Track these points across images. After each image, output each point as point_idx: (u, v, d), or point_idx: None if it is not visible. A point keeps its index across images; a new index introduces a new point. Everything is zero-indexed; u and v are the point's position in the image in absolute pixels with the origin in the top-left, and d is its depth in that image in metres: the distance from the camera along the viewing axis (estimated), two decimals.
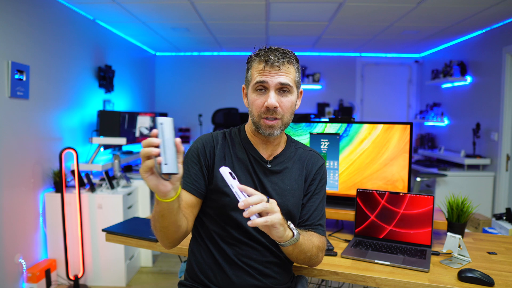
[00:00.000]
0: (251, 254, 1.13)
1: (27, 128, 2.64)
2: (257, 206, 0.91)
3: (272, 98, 1.08)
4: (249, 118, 1.20)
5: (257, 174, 1.16)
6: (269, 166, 1.18)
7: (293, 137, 1.32)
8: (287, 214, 1.16)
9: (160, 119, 0.88)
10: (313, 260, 1.15)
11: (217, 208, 1.13)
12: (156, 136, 0.86)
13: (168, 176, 0.89)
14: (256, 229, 1.12)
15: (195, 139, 1.21)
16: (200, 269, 1.16)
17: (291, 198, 1.17)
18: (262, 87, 1.10)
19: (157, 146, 0.86)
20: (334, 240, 1.65)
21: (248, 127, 1.22)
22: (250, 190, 0.94)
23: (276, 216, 0.94)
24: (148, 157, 0.86)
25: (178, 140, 0.88)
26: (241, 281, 1.11)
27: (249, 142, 1.20)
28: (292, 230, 1.01)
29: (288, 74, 1.10)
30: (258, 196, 0.92)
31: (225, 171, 0.96)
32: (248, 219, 0.94)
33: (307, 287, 1.30)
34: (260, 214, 0.94)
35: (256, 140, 1.19)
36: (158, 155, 0.85)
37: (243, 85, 1.21)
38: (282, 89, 1.10)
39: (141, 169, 0.88)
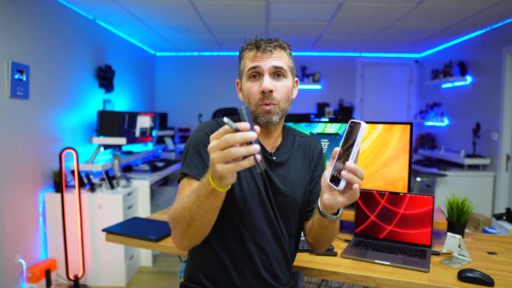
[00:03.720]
0: (263, 257, 1.09)
1: (27, 128, 2.64)
2: (354, 178, 0.87)
3: (267, 82, 1.04)
4: None
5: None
6: (274, 158, 1.14)
7: None
8: (296, 206, 1.14)
9: (244, 109, 0.74)
10: (331, 241, 1.15)
11: (230, 205, 1.06)
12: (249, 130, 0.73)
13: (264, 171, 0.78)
14: (266, 225, 1.09)
15: (198, 126, 1.13)
16: (206, 275, 1.11)
17: (299, 190, 1.15)
18: (256, 73, 1.07)
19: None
20: (334, 240, 1.65)
21: None
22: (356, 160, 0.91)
23: (356, 197, 0.93)
24: (247, 155, 0.73)
25: (258, 128, 0.76)
26: (253, 285, 1.08)
27: None
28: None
29: (281, 58, 1.08)
30: (364, 173, 0.89)
31: (364, 125, 0.87)
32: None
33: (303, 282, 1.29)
34: (335, 180, 0.92)
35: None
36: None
37: (237, 80, 1.17)
38: (277, 73, 1.07)
39: (231, 168, 0.74)
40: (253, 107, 1.08)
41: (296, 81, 1.18)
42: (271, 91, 1.05)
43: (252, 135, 0.72)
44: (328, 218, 1.00)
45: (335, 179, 0.91)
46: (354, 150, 0.87)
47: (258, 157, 0.73)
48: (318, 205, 1.02)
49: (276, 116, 1.08)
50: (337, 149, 0.93)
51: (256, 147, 0.72)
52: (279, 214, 1.12)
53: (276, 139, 1.17)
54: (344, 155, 0.89)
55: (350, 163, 0.87)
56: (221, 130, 0.74)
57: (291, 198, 1.13)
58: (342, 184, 0.88)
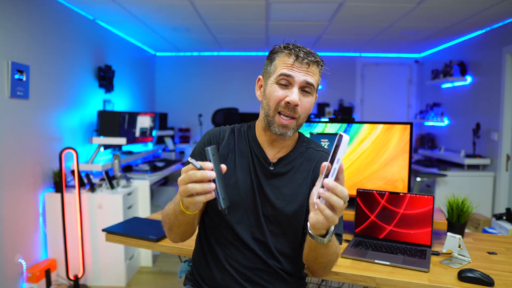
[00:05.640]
0: (240, 259, 1.08)
1: (27, 128, 2.64)
2: (333, 198, 0.80)
3: (295, 95, 1.02)
4: (261, 113, 1.12)
5: (257, 176, 1.10)
6: (271, 168, 1.11)
7: None
8: (286, 220, 1.10)
9: (211, 150, 0.82)
10: (329, 268, 1.08)
11: (214, 207, 1.11)
12: (211, 170, 0.81)
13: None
14: (251, 234, 1.09)
15: (205, 133, 1.20)
16: (196, 268, 1.19)
17: (292, 204, 1.10)
18: (286, 81, 1.04)
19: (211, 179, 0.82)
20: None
21: (259, 123, 1.15)
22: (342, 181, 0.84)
23: (335, 220, 0.84)
24: (202, 192, 0.83)
25: (224, 167, 0.86)
26: (226, 285, 1.08)
27: (256, 140, 1.14)
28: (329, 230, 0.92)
29: (314, 76, 1.05)
30: (346, 193, 0.81)
31: (346, 138, 0.80)
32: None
33: None
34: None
35: (264, 139, 1.13)
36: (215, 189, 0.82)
37: (259, 76, 1.13)
38: (305, 88, 1.05)
39: (190, 201, 0.85)
40: (271, 112, 1.05)
41: (316, 97, 1.15)
42: (296, 105, 1.03)
43: (211, 174, 0.80)
44: (316, 240, 0.92)
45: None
46: (335, 166, 0.80)
47: (213, 194, 0.82)
48: (307, 225, 0.93)
49: (291, 131, 1.06)
50: (325, 164, 0.84)
51: (211, 186, 0.81)
52: (266, 225, 1.09)
53: (282, 150, 1.14)
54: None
55: (329, 180, 0.80)
56: (189, 166, 0.84)
57: (281, 210, 1.09)
58: (319, 199, 0.82)
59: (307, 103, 1.06)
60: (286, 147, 1.14)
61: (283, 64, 1.05)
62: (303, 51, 1.05)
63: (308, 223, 0.91)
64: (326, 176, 0.83)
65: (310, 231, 0.93)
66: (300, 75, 1.03)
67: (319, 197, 0.83)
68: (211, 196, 0.82)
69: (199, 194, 0.83)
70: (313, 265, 1.07)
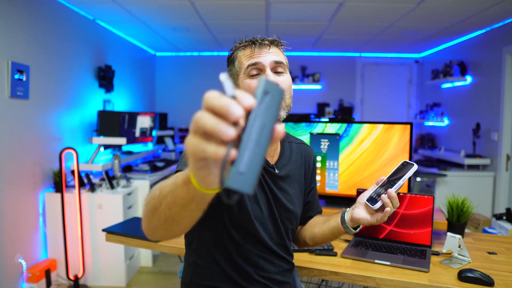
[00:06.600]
0: (270, 268, 1.07)
1: (27, 128, 2.64)
2: (390, 204, 0.99)
3: (271, 76, 0.98)
4: None
5: (268, 183, 1.06)
6: (277, 172, 1.08)
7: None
8: (295, 219, 1.13)
9: (270, 84, 0.44)
10: None
11: (236, 223, 1.01)
12: (249, 111, 0.43)
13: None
14: (273, 241, 1.07)
15: None
16: None
17: (298, 203, 1.13)
18: (256, 70, 1.00)
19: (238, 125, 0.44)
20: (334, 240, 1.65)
21: None
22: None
23: (382, 221, 1.03)
24: (215, 138, 0.44)
25: (281, 128, 0.46)
26: None
27: None
28: None
29: (279, 54, 1.03)
30: (398, 205, 1.01)
31: (415, 167, 1.05)
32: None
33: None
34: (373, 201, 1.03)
35: None
36: (236, 145, 0.43)
37: None
38: (277, 69, 1.02)
39: (195, 144, 0.47)
40: None
41: (290, 79, 1.11)
42: None
43: (237, 113, 0.42)
44: (349, 232, 1.07)
45: (372, 200, 1.03)
46: (400, 183, 1.02)
47: (231, 154, 0.42)
48: (343, 217, 1.08)
49: (283, 111, 1.01)
50: (383, 178, 1.05)
51: (229, 132, 0.42)
52: (283, 228, 1.09)
53: (276, 147, 1.11)
54: (388, 184, 1.03)
55: (392, 191, 1.00)
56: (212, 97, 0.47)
57: (292, 211, 1.10)
58: (378, 205, 1.01)
59: (286, 81, 1.03)
60: (276, 143, 1.10)
61: (245, 57, 1.02)
62: (257, 38, 1.03)
63: (349, 216, 1.06)
64: (382, 186, 1.05)
65: (348, 225, 1.06)
66: (266, 57, 1.00)
67: (375, 199, 1.03)
68: (222, 152, 0.42)
69: (210, 139, 0.45)
70: (321, 243, 1.19)
